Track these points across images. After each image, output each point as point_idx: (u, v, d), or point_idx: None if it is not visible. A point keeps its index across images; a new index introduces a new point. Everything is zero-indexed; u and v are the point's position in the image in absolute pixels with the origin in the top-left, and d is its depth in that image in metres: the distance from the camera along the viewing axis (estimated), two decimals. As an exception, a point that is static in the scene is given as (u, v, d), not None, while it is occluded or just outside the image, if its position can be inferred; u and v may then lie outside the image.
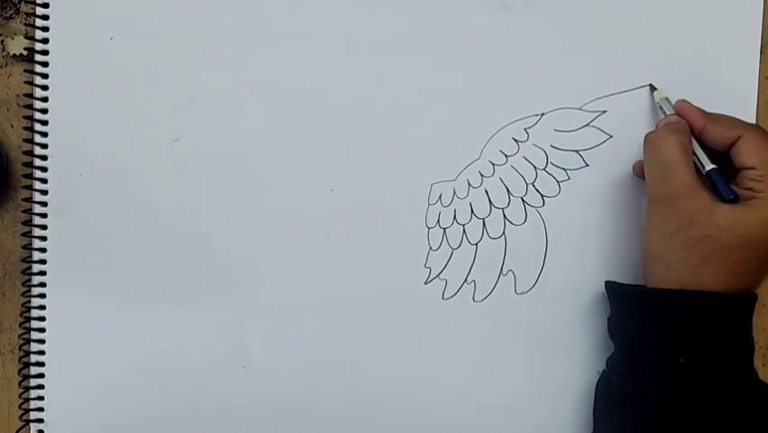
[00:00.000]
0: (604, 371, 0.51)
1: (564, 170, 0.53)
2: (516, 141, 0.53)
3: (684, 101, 0.51)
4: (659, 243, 0.47)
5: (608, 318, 0.52)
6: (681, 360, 0.45)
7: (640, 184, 0.53)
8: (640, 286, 0.50)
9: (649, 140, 0.49)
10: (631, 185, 0.53)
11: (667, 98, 0.51)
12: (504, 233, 0.53)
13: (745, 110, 0.53)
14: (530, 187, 0.53)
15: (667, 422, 0.46)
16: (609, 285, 0.52)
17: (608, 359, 0.52)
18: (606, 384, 0.51)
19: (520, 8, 0.53)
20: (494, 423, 0.54)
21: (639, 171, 0.52)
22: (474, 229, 0.53)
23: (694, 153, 0.48)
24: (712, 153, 0.48)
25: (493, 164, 0.53)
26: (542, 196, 0.53)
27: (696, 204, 0.45)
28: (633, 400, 0.47)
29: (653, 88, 0.52)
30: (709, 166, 0.48)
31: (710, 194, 0.46)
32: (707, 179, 0.48)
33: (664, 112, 0.51)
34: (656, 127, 0.52)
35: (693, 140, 0.49)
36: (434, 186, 0.53)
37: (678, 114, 0.50)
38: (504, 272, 0.54)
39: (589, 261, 0.53)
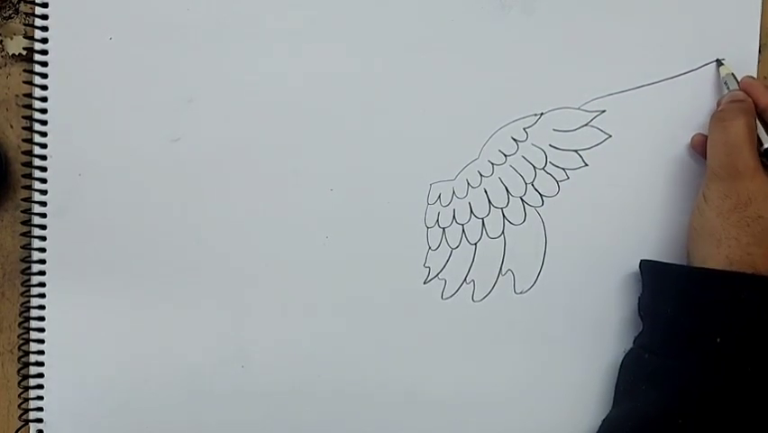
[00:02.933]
0: (632, 349, 0.52)
1: (563, 169, 0.53)
2: (515, 140, 0.53)
3: (750, 77, 0.52)
4: (714, 219, 0.47)
5: (639, 297, 0.52)
6: (718, 339, 0.45)
7: (639, 184, 0.53)
8: (681, 265, 0.50)
9: (718, 118, 0.50)
10: (630, 184, 0.53)
11: (733, 74, 0.52)
12: (503, 232, 0.54)
13: (744, 110, 0.53)
14: (529, 186, 0.53)
15: (698, 399, 0.46)
16: (646, 263, 0.52)
17: (636, 337, 0.52)
18: (634, 361, 0.51)
19: (519, 8, 0.53)
20: (493, 423, 0.54)
21: (697, 145, 0.52)
22: (473, 229, 0.54)
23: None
24: None
25: (492, 164, 0.53)
26: (541, 195, 0.54)
27: (756, 185, 0.47)
28: (664, 376, 0.47)
29: (719, 63, 0.53)
30: None
31: None
32: (764, 156, 0.48)
33: (728, 87, 0.52)
34: (719, 102, 0.52)
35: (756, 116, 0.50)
36: (433, 185, 0.53)
37: (743, 89, 0.51)
38: (503, 272, 0.54)
39: (588, 260, 0.53)
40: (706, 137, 0.51)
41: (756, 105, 0.50)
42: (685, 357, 0.47)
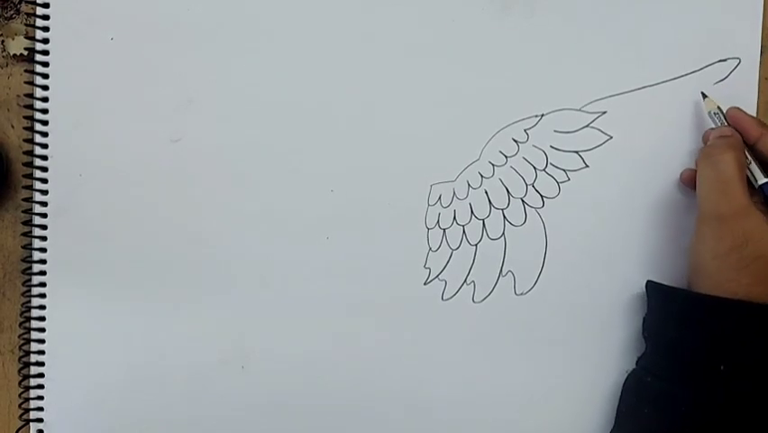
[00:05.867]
0: (634, 370, 0.52)
1: (564, 171, 0.53)
2: (515, 141, 0.53)
3: (737, 109, 0.50)
4: (711, 261, 0.46)
5: (644, 318, 0.52)
6: (722, 367, 0.45)
7: (640, 185, 0.53)
8: (687, 290, 0.49)
9: (706, 154, 0.48)
10: (631, 186, 0.53)
11: (719, 107, 0.50)
12: (504, 233, 0.54)
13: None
14: (530, 188, 0.53)
15: (700, 425, 0.45)
16: (653, 285, 0.51)
17: (638, 358, 0.52)
18: (637, 383, 0.51)
19: (520, 9, 0.53)
20: (492, 423, 0.54)
21: (687, 181, 0.52)
22: (474, 230, 0.53)
23: (747, 165, 0.48)
24: (765, 165, 0.48)
25: (493, 165, 0.53)
26: (542, 197, 0.53)
27: (750, 224, 0.45)
28: (667, 400, 0.47)
29: (704, 96, 0.52)
30: (762, 180, 0.48)
31: (764, 215, 0.46)
32: (759, 193, 0.48)
33: (715, 121, 0.50)
34: (705, 137, 0.51)
35: (747, 151, 0.48)
36: (433, 187, 0.53)
37: (732, 124, 0.50)
38: (503, 273, 0.54)
39: (588, 262, 0.53)
40: (695, 172, 0.50)
41: (746, 139, 0.49)
42: (689, 384, 0.46)
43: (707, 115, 0.52)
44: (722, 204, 0.46)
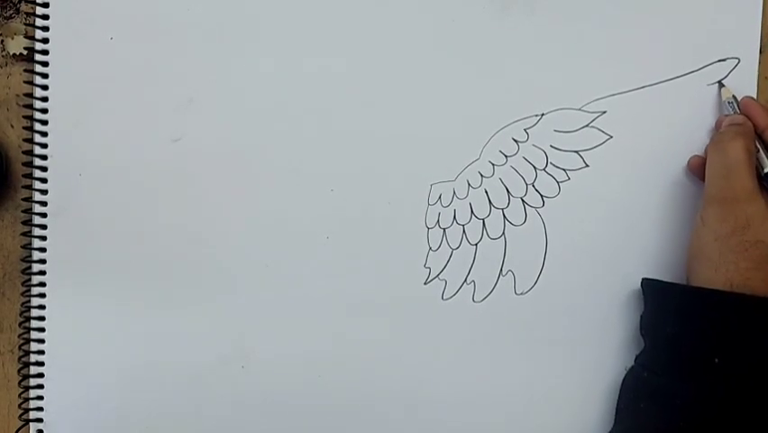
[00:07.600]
0: (632, 367, 0.52)
1: (564, 170, 0.53)
2: (515, 141, 0.53)
3: (750, 98, 0.51)
4: (712, 243, 0.47)
5: (641, 315, 0.52)
6: (716, 360, 0.45)
7: (639, 184, 0.53)
8: (683, 284, 0.50)
9: (717, 140, 0.49)
10: (631, 186, 0.53)
11: (734, 96, 0.51)
12: (504, 233, 0.54)
13: (745, 111, 0.53)
14: (530, 187, 0.53)
15: (697, 420, 0.46)
16: (647, 282, 0.51)
17: (637, 355, 0.52)
18: (635, 380, 0.51)
19: (520, 9, 0.53)
20: (492, 423, 0.54)
21: (694, 167, 0.52)
22: (474, 229, 0.53)
23: (756, 153, 0.49)
24: None
25: (493, 164, 0.53)
26: (542, 196, 0.53)
27: (754, 209, 0.46)
28: (664, 396, 0.47)
29: (721, 85, 0.52)
30: None
31: None
32: (765, 180, 0.48)
33: (729, 110, 0.51)
34: (717, 123, 0.52)
35: (756, 139, 0.49)
36: (433, 186, 0.53)
37: (744, 111, 0.50)
38: (504, 273, 0.54)
39: (588, 261, 0.53)
40: (702, 159, 0.51)
41: (756, 127, 0.49)
42: (687, 379, 0.46)
43: (722, 104, 0.52)
44: (727, 188, 0.47)
